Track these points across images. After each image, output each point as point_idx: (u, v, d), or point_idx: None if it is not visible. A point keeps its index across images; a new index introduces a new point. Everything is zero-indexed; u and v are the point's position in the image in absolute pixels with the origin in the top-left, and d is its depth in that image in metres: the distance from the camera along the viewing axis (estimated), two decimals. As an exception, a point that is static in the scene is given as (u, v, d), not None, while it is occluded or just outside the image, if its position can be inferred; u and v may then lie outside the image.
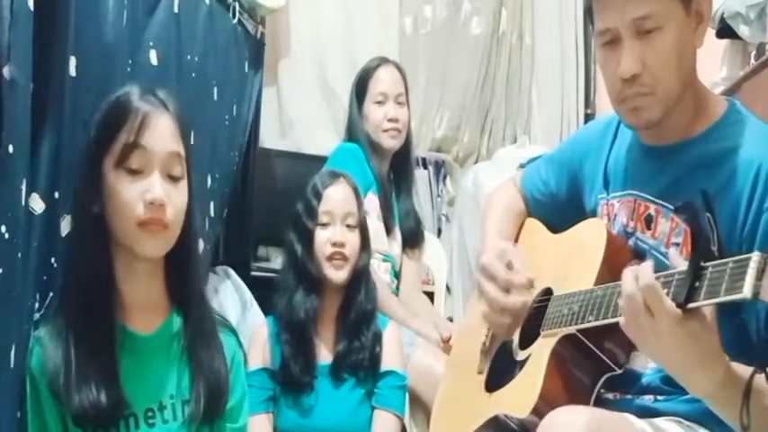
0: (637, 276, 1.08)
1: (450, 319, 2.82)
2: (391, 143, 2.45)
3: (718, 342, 1.08)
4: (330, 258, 1.89)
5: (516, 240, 1.67)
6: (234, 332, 1.50)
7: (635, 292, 1.07)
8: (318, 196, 1.93)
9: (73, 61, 1.32)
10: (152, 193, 1.28)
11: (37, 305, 1.29)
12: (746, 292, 0.97)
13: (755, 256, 0.98)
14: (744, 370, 1.10)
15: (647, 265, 1.09)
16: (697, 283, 1.04)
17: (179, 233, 1.34)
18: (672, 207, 1.30)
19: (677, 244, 1.29)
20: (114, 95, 1.34)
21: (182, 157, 1.34)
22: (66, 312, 1.28)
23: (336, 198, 1.94)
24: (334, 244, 1.89)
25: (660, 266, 1.18)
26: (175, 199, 1.31)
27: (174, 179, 1.32)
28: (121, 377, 1.28)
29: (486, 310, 1.49)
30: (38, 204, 1.26)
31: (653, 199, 1.35)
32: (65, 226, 1.34)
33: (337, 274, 1.89)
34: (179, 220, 1.33)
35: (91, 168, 1.30)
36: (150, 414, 1.32)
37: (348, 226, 1.93)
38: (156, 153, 1.30)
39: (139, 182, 1.28)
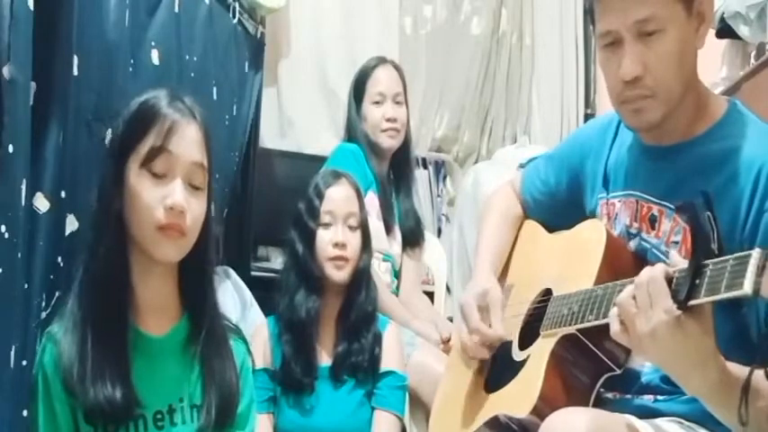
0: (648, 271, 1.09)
1: (450, 319, 2.82)
2: (390, 143, 2.45)
3: (713, 343, 1.08)
4: (332, 259, 1.89)
5: (515, 243, 1.67)
6: (243, 339, 1.51)
7: (642, 282, 1.08)
8: (320, 196, 1.93)
9: (75, 60, 1.32)
10: (172, 199, 1.28)
11: (43, 304, 1.30)
12: (747, 288, 0.97)
13: (756, 253, 0.98)
14: (740, 370, 1.11)
15: (660, 265, 1.10)
16: (697, 281, 1.05)
17: (195, 241, 1.35)
18: (673, 207, 1.30)
19: (676, 242, 1.29)
20: (141, 99, 1.34)
21: (204, 168, 1.35)
22: (80, 308, 1.29)
23: (338, 198, 1.94)
24: (336, 245, 1.89)
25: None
26: (195, 207, 1.32)
27: (195, 188, 1.33)
28: (133, 376, 1.28)
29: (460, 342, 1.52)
30: (42, 204, 1.26)
31: (655, 200, 1.35)
32: (69, 224, 1.34)
33: (339, 275, 1.89)
34: (196, 228, 1.34)
35: (115, 167, 1.31)
36: (159, 417, 1.33)
37: (350, 227, 1.92)
38: (181, 160, 1.31)
39: (161, 186, 1.29)
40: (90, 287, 1.30)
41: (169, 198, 1.28)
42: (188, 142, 1.32)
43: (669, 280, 1.08)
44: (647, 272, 1.10)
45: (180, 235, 1.31)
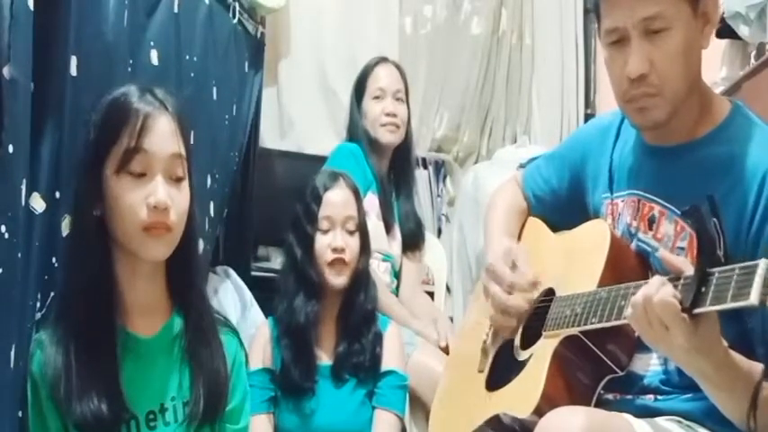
0: (660, 290, 1.09)
1: (451, 319, 2.82)
2: (389, 138, 2.45)
3: (718, 330, 1.10)
4: (331, 264, 1.88)
5: (519, 239, 1.67)
6: (235, 332, 1.50)
7: (652, 297, 1.08)
8: (318, 200, 1.92)
9: (74, 61, 1.32)
10: (155, 197, 1.27)
11: (38, 305, 1.29)
12: (753, 299, 0.97)
13: (763, 263, 0.98)
14: (741, 358, 1.14)
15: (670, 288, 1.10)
16: (703, 289, 1.05)
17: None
18: (676, 209, 1.30)
19: (682, 248, 1.29)
20: (111, 96, 1.33)
21: (183, 158, 1.33)
22: (66, 316, 1.28)
23: (336, 202, 1.93)
24: (335, 249, 1.89)
25: (663, 270, 1.18)
26: (178, 201, 1.31)
27: (176, 180, 1.32)
28: (123, 381, 1.27)
29: (491, 312, 1.49)
30: (38, 204, 1.26)
31: (657, 200, 1.35)
32: (65, 226, 1.33)
33: (338, 280, 1.89)
34: (182, 221, 1.33)
35: (91, 171, 1.29)
36: (152, 417, 1.32)
37: (348, 231, 1.92)
38: (158, 156, 1.29)
39: (142, 185, 1.28)
40: (74, 293, 1.29)
41: (152, 197, 1.27)
42: (162, 136, 1.30)
43: (675, 287, 1.09)
44: (657, 298, 1.09)
45: (166, 231, 1.30)
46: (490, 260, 1.51)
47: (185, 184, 1.34)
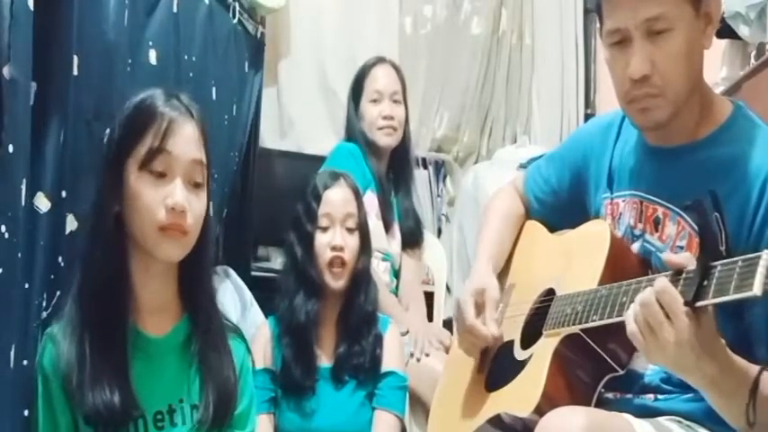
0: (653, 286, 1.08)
1: (450, 320, 2.82)
2: (386, 141, 2.45)
3: (716, 330, 1.09)
4: (330, 264, 1.88)
5: (516, 243, 1.67)
6: (243, 338, 1.51)
7: (650, 297, 1.07)
8: (318, 198, 1.93)
9: (75, 60, 1.32)
10: (173, 199, 1.28)
11: (44, 303, 1.30)
12: (756, 289, 0.97)
13: (765, 255, 0.99)
14: (741, 360, 1.13)
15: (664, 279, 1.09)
16: (705, 282, 1.05)
17: (196, 239, 1.35)
18: (678, 210, 1.30)
19: (681, 247, 1.29)
20: (138, 98, 1.34)
21: (203, 165, 1.35)
22: (80, 310, 1.29)
23: (336, 200, 1.93)
24: (334, 248, 1.89)
25: (664, 269, 1.18)
26: (196, 206, 1.32)
27: (195, 186, 1.33)
28: (132, 378, 1.28)
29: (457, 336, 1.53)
30: (43, 203, 1.27)
31: (660, 201, 1.35)
32: (69, 224, 1.34)
33: (336, 283, 1.89)
34: (198, 226, 1.34)
35: (113, 169, 1.30)
36: (159, 417, 1.33)
37: (348, 229, 1.92)
38: (181, 159, 1.31)
39: (162, 186, 1.29)
40: (88, 290, 1.30)
41: (170, 198, 1.28)
42: (186, 141, 1.32)
43: (673, 282, 1.08)
44: (657, 287, 1.08)
45: (182, 234, 1.31)
46: (461, 297, 1.53)
47: (203, 191, 1.35)
